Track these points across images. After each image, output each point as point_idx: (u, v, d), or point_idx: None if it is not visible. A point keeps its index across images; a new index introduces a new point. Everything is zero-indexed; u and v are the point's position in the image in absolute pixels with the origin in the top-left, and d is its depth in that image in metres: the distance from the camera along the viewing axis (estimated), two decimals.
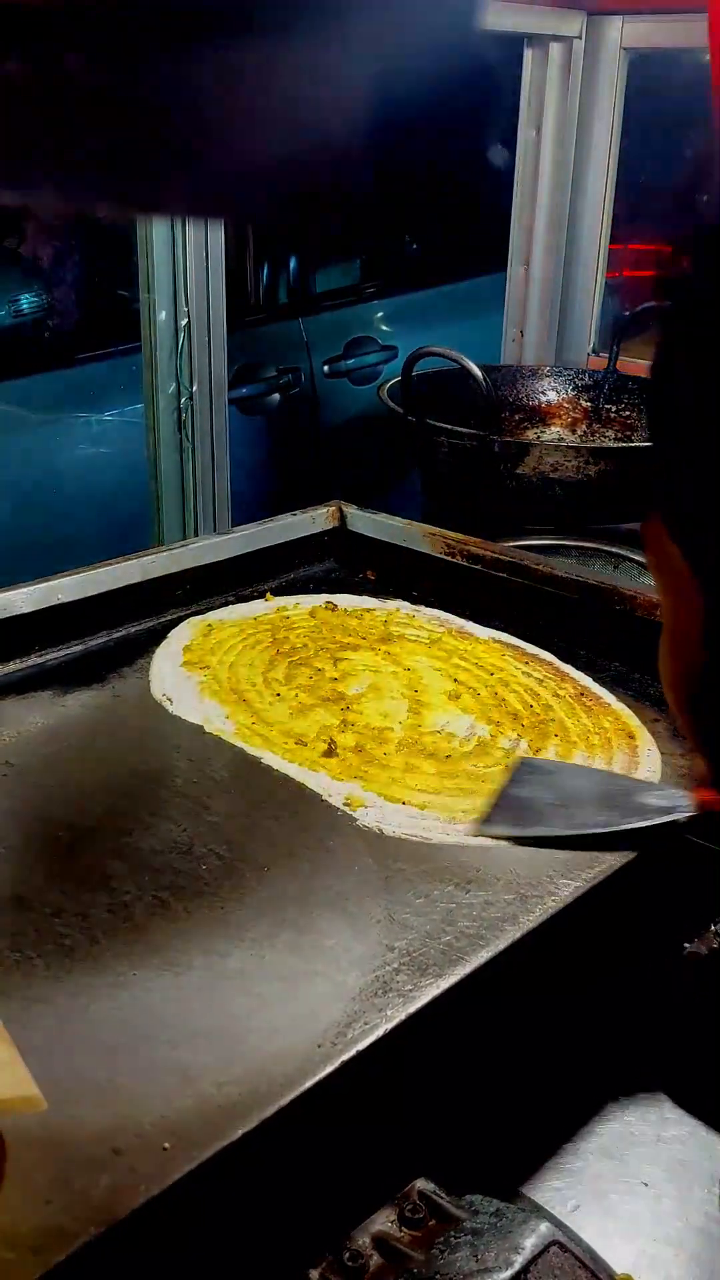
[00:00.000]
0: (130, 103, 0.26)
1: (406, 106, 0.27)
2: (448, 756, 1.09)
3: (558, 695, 1.19)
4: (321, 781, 1.04)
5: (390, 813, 1.00)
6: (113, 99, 0.26)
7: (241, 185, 0.28)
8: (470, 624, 1.35)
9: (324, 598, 1.42)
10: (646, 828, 0.95)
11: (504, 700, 1.18)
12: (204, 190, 0.29)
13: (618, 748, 1.11)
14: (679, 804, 0.97)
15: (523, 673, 1.24)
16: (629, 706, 1.18)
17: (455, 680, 1.22)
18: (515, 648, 1.29)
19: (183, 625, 1.34)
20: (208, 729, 1.13)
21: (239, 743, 1.11)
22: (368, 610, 1.39)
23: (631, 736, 1.12)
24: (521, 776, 1.05)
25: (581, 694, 1.20)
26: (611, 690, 1.22)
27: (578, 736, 1.12)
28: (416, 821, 0.99)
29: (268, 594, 1.43)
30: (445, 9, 0.29)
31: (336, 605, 1.39)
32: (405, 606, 1.40)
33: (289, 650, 1.28)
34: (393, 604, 1.41)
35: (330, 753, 1.08)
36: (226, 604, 1.42)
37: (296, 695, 1.19)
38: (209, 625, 1.34)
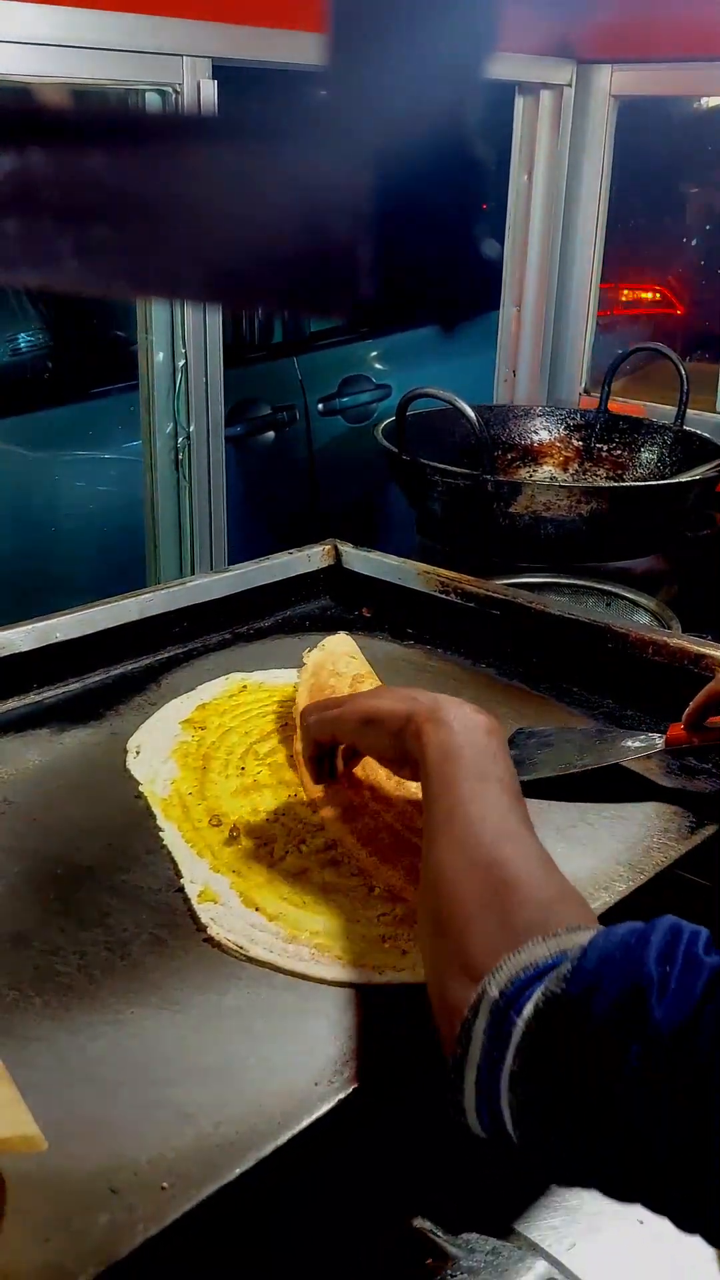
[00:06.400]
0: (146, 196, 0.28)
1: (412, 174, 0.28)
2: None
3: None
4: (194, 868, 0.96)
5: (236, 915, 0.91)
6: (130, 193, 0.27)
7: (252, 276, 0.29)
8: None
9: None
10: (625, 761, 1.12)
11: None
12: (216, 279, 0.30)
13: None
14: (653, 742, 1.12)
15: None
16: None
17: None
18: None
19: (221, 679, 1.29)
20: (142, 788, 1.08)
21: (157, 810, 1.05)
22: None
23: None
24: (516, 740, 1.16)
25: None
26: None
27: None
28: (254, 932, 0.89)
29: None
30: (452, 64, 0.30)
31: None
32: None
33: (294, 725, 1.16)
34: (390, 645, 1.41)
35: (232, 840, 1.00)
36: (223, 641, 1.43)
37: (259, 773, 1.09)
38: (244, 685, 1.27)
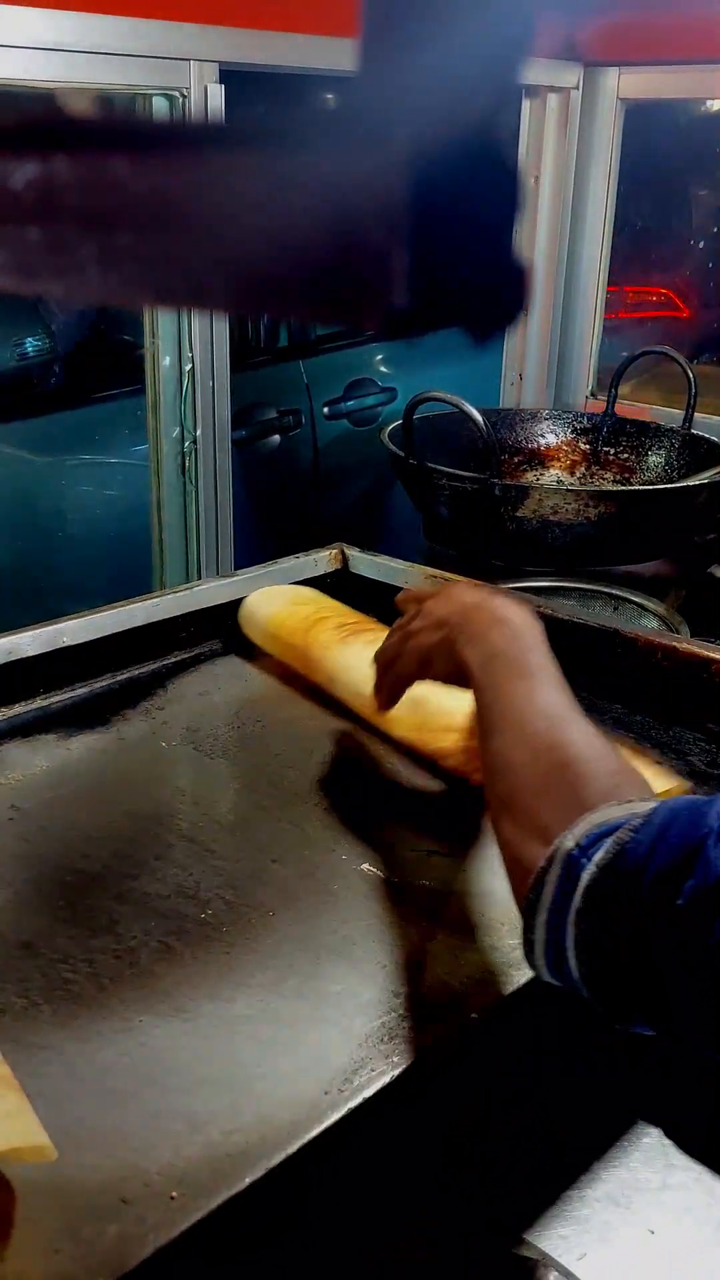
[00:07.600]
0: (171, 204, 0.27)
1: (447, 181, 0.28)
2: None
3: None
4: None
5: None
6: (155, 201, 0.27)
7: (288, 286, 0.29)
8: None
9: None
10: None
11: None
12: (245, 290, 0.30)
13: None
14: None
15: None
16: (632, 750, 1.19)
17: None
18: None
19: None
20: None
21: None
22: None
23: None
24: None
25: None
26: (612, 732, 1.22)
27: None
28: None
29: None
30: (488, 73, 0.29)
31: None
32: None
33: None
34: None
35: None
36: (230, 646, 1.43)
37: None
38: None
